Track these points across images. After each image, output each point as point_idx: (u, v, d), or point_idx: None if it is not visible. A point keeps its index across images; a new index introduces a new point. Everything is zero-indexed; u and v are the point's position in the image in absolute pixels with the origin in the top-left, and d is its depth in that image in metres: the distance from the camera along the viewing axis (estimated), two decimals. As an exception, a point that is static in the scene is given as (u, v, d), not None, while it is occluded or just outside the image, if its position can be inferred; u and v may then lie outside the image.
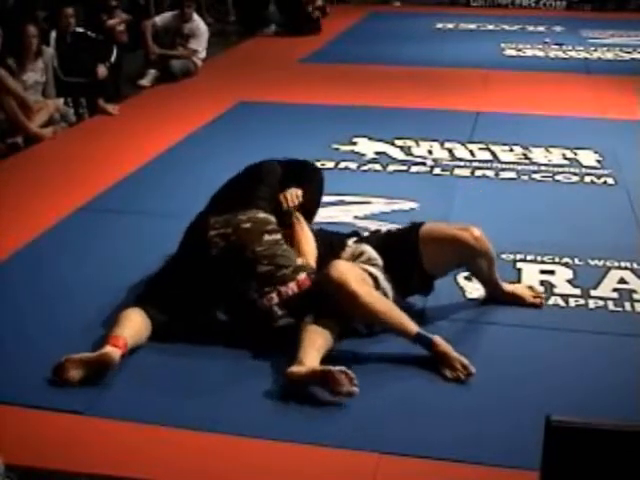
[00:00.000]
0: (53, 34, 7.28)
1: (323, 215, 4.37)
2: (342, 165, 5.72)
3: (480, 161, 5.87)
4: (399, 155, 5.99)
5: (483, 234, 3.63)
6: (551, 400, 3.03)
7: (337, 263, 3.43)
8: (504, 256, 4.24)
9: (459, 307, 3.80)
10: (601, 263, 4.23)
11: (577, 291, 3.96)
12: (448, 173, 5.64)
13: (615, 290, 3.97)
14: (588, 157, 5.97)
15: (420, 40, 10.91)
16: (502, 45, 10.55)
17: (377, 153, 6.02)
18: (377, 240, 3.74)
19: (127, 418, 2.98)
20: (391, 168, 5.72)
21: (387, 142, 6.24)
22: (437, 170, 5.70)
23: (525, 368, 3.32)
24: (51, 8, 7.55)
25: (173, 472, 2.73)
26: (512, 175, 5.60)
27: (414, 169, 5.71)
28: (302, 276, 3.46)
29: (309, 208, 3.94)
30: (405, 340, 3.33)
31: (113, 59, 7.78)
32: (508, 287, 3.85)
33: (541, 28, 11.92)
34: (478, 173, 5.64)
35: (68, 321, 3.65)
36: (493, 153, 6.03)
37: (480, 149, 6.11)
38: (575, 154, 6.02)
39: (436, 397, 3.12)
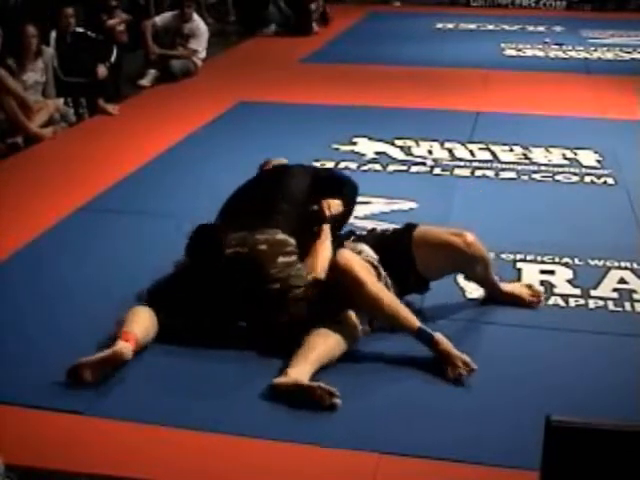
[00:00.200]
0: (53, 34, 7.28)
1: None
2: (342, 165, 5.72)
3: (480, 161, 5.87)
4: (399, 155, 5.99)
5: (477, 240, 3.62)
6: (551, 400, 3.03)
7: (343, 251, 3.44)
8: (504, 256, 4.25)
9: (459, 307, 3.80)
10: (601, 263, 4.23)
11: (577, 291, 3.96)
12: (448, 173, 5.64)
13: (615, 290, 3.97)
14: (588, 157, 5.97)
15: (420, 40, 10.91)
16: (502, 45, 10.55)
17: (377, 153, 6.02)
18: (373, 239, 3.75)
19: (127, 418, 2.98)
20: (391, 168, 5.72)
21: (387, 142, 6.24)
22: (437, 170, 5.70)
23: (525, 368, 3.32)
24: (51, 8, 7.54)
25: (173, 472, 2.73)
26: (512, 175, 5.60)
27: (414, 169, 5.71)
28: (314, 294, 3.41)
29: (339, 222, 3.90)
30: (405, 340, 3.33)
31: (113, 59, 7.78)
32: (506, 287, 3.85)
33: (541, 28, 11.91)
34: (478, 173, 5.64)
35: (68, 321, 3.65)
36: (493, 153, 6.03)
37: (480, 149, 6.11)
38: (575, 154, 6.02)
39: (436, 397, 3.12)
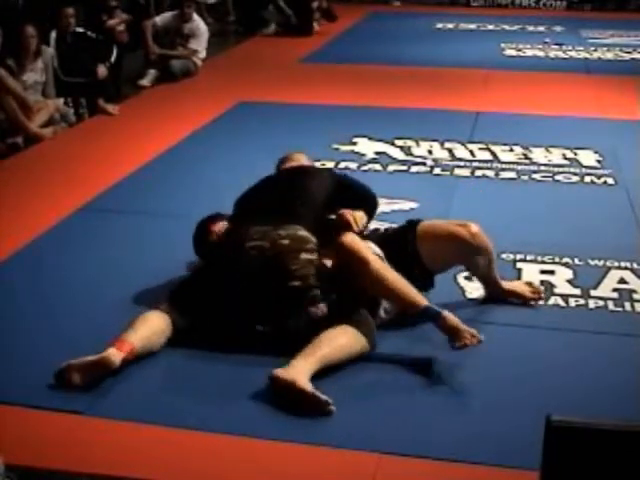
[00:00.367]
0: (53, 34, 7.27)
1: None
2: (342, 165, 5.72)
3: (480, 161, 5.87)
4: (399, 155, 5.99)
5: (481, 230, 3.65)
6: (551, 400, 3.03)
7: (347, 233, 3.45)
8: (504, 256, 4.24)
9: (459, 307, 3.78)
10: (601, 263, 4.23)
11: (577, 291, 3.96)
12: (448, 173, 5.64)
13: (615, 290, 3.97)
14: (588, 157, 5.97)
15: (420, 40, 10.91)
16: (502, 45, 10.55)
17: (377, 153, 6.02)
18: (377, 238, 3.75)
19: (127, 418, 2.98)
20: (391, 168, 5.72)
21: (387, 142, 6.24)
22: (437, 170, 5.70)
23: (525, 368, 3.32)
24: (51, 8, 7.54)
25: (173, 472, 2.73)
26: (512, 175, 5.60)
27: (414, 169, 5.71)
28: (332, 296, 3.39)
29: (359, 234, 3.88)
30: (405, 339, 3.33)
31: (113, 59, 7.78)
32: (507, 285, 3.86)
33: (541, 28, 11.92)
34: (478, 173, 5.64)
35: (68, 321, 3.64)
36: (493, 153, 6.03)
37: (480, 149, 6.11)
38: (575, 154, 6.02)
39: (436, 397, 3.12)
